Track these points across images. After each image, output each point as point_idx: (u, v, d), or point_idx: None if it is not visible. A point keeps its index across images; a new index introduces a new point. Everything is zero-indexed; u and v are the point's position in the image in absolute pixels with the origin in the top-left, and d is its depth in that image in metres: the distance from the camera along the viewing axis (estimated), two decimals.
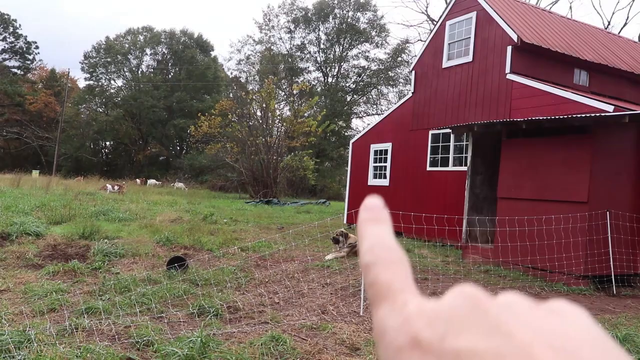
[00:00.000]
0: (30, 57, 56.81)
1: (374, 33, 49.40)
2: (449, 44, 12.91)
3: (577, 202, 7.95)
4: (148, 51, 57.36)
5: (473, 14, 12.24)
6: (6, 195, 15.47)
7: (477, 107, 11.83)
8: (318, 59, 50.49)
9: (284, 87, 47.26)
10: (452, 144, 12.50)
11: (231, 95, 42.97)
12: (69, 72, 51.15)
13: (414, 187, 13.59)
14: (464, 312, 0.26)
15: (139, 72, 57.33)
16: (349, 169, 16.97)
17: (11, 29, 54.45)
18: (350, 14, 48.90)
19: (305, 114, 33.22)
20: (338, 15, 49.03)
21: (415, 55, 15.02)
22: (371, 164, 15.50)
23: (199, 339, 4.06)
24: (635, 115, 7.31)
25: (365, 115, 51.54)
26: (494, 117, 10.98)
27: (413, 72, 14.18)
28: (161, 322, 4.90)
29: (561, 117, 8.00)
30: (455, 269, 8.72)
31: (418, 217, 10.47)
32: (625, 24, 50.86)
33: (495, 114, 11.17)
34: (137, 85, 54.95)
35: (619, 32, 32.33)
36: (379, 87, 50.16)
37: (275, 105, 32.83)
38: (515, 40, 11.00)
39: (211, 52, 59.40)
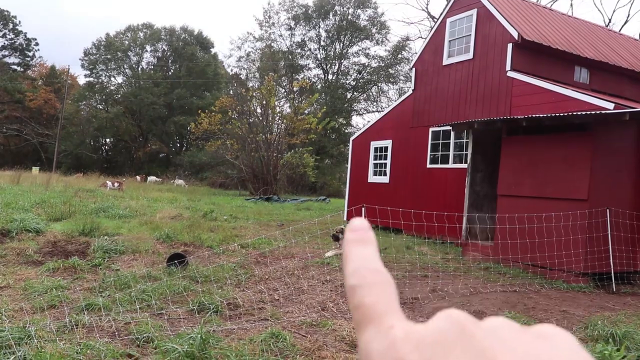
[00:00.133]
0: (30, 53, 56.76)
1: (374, 30, 49.33)
2: (449, 41, 12.89)
3: (577, 199, 7.95)
4: (148, 48, 57.30)
5: (473, 11, 12.22)
6: (6, 192, 15.48)
7: (477, 105, 11.82)
8: (318, 56, 50.44)
9: (284, 84, 47.21)
10: (452, 141, 12.49)
11: (231, 92, 42.95)
12: (69, 69, 51.17)
13: (414, 184, 13.59)
14: (450, 336, 0.26)
15: (139, 69, 57.27)
16: (349, 166, 16.97)
17: (11, 26, 54.37)
18: (351, 11, 48.81)
19: (306, 111, 33.22)
20: (338, 12, 48.94)
21: (416, 53, 15.02)
22: (371, 161, 15.50)
23: (199, 335, 4.07)
24: (635, 112, 7.31)
25: (365, 112, 51.53)
26: (494, 115, 10.97)
27: (413, 69, 14.17)
28: (161, 319, 4.90)
29: (561, 114, 7.99)
30: (455, 266, 8.72)
31: (418, 214, 10.47)
32: (626, 21, 50.84)
33: (496, 112, 11.16)
34: (137, 82, 54.89)
35: (619, 30, 32.29)
36: (379, 85, 50.12)
37: (276, 103, 32.81)
38: (516, 38, 10.99)
39: (211, 49, 59.36)
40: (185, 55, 54.92)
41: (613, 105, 8.53)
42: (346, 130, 48.50)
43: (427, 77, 13.57)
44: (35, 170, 34.59)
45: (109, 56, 54.73)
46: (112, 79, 57.05)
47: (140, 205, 15.12)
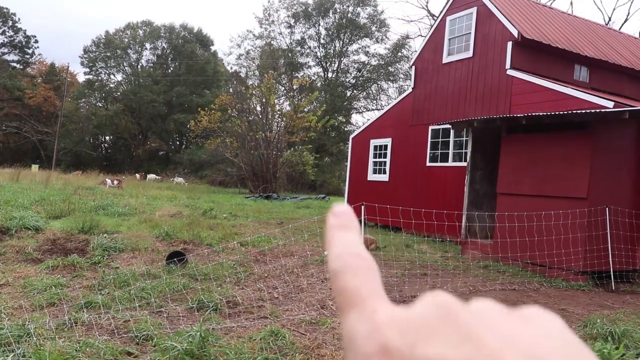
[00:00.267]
0: (30, 51, 56.69)
1: (374, 28, 49.26)
2: (449, 39, 12.88)
3: (576, 198, 7.95)
4: (148, 45, 57.21)
5: (473, 10, 12.21)
6: (5, 189, 15.47)
7: (477, 103, 11.81)
8: (318, 54, 50.37)
9: (283, 82, 47.17)
10: (452, 139, 12.49)
11: (231, 90, 42.92)
12: (68, 67, 51.14)
13: (413, 182, 13.59)
14: (434, 320, 0.26)
15: (139, 66, 57.20)
16: (348, 164, 16.97)
17: (10, 23, 54.28)
18: (351, 8, 48.75)
19: (305, 109, 33.20)
20: (338, 10, 48.87)
21: (416, 51, 15.00)
22: (371, 160, 15.50)
23: (198, 333, 4.07)
24: (635, 111, 7.31)
25: (365, 110, 51.50)
26: (494, 113, 10.97)
27: (413, 67, 14.16)
28: (160, 317, 4.90)
29: (561, 113, 7.99)
30: (455, 264, 8.73)
31: (417, 212, 10.47)
32: (626, 20, 50.82)
33: (495, 110, 11.16)
34: (137, 79, 54.82)
35: (619, 28, 32.26)
36: (379, 83, 50.08)
37: (275, 100, 32.80)
38: (516, 36, 10.98)
39: (211, 47, 59.28)
40: (185, 53, 54.85)
41: (613, 103, 8.53)
42: (346, 129, 48.49)
43: (426, 75, 13.56)
44: (34, 167, 34.56)
45: (108, 54, 54.65)
46: (112, 76, 57.05)
47: (140, 203, 15.12)
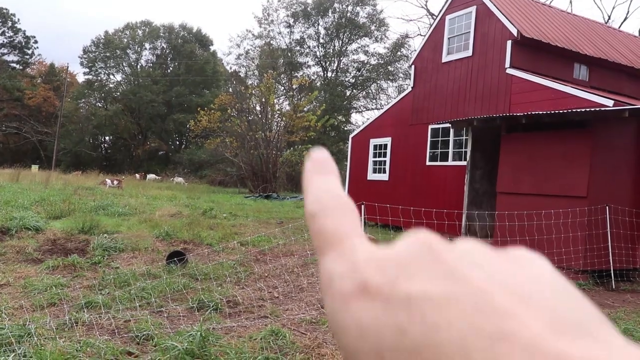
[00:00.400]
0: (29, 51, 56.68)
1: (373, 27, 49.25)
2: (448, 38, 12.87)
3: (576, 196, 7.95)
4: (147, 46, 57.21)
5: (473, 9, 12.20)
6: (5, 190, 15.47)
7: (476, 102, 11.81)
8: (317, 53, 50.38)
9: (283, 81, 47.18)
10: (451, 138, 12.49)
11: (230, 89, 42.86)
12: (68, 67, 51.12)
13: (413, 181, 13.58)
14: (417, 256, 0.25)
15: (138, 66, 57.20)
16: (348, 163, 16.96)
17: (10, 24, 54.27)
18: (350, 8, 48.75)
19: (305, 109, 33.18)
20: (337, 10, 48.87)
21: (415, 50, 15.00)
22: (370, 159, 15.49)
23: (199, 333, 4.07)
24: (635, 109, 7.31)
25: (364, 110, 51.49)
26: (494, 112, 10.96)
27: (412, 66, 14.15)
28: (161, 317, 4.90)
29: (561, 111, 7.99)
30: None
31: (417, 211, 10.48)
32: (626, 18, 50.72)
33: (495, 109, 11.16)
34: (136, 79, 54.82)
35: (619, 27, 32.27)
36: (379, 82, 50.07)
37: (275, 100, 32.78)
38: (515, 35, 10.97)
39: (210, 47, 59.27)
40: (184, 53, 54.85)
41: (612, 102, 8.53)
42: (345, 128, 48.48)
43: (426, 74, 13.55)
44: (34, 168, 34.56)
45: (108, 54, 54.65)
46: (111, 76, 57.05)
47: (140, 203, 15.12)
